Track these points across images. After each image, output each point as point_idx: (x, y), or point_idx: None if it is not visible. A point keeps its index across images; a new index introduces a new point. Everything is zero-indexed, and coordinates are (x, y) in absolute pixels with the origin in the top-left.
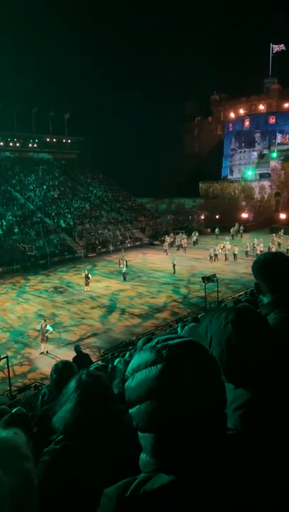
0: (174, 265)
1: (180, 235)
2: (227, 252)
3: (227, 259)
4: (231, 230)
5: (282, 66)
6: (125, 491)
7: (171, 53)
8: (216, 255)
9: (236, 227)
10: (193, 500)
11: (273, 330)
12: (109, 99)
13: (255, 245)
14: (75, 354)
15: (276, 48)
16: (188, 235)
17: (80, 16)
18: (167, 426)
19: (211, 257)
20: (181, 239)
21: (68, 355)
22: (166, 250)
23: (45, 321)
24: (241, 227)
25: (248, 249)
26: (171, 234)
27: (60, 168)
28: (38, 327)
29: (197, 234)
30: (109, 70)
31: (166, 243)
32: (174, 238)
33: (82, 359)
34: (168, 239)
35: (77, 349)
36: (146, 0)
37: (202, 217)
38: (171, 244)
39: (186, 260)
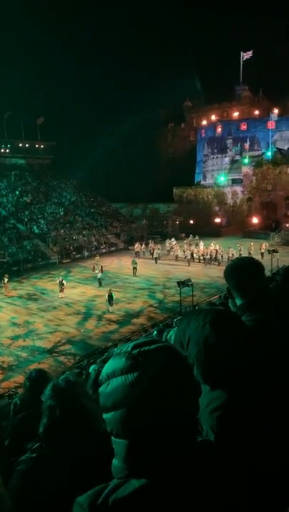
0: (134, 268)
1: (173, 241)
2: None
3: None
4: (185, 241)
5: (252, 74)
6: (97, 499)
7: (144, 59)
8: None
9: (190, 238)
10: (163, 505)
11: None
12: (83, 104)
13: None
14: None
15: (245, 55)
16: (164, 240)
17: (55, 21)
18: (141, 433)
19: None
20: (173, 245)
21: (43, 362)
22: (156, 258)
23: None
24: (196, 237)
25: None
26: (169, 240)
27: (33, 173)
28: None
29: (174, 241)
30: (82, 75)
31: (156, 251)
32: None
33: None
34: (167, 245)
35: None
36: (119, 7)
37: (177, 222)
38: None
39: (162, 265)
